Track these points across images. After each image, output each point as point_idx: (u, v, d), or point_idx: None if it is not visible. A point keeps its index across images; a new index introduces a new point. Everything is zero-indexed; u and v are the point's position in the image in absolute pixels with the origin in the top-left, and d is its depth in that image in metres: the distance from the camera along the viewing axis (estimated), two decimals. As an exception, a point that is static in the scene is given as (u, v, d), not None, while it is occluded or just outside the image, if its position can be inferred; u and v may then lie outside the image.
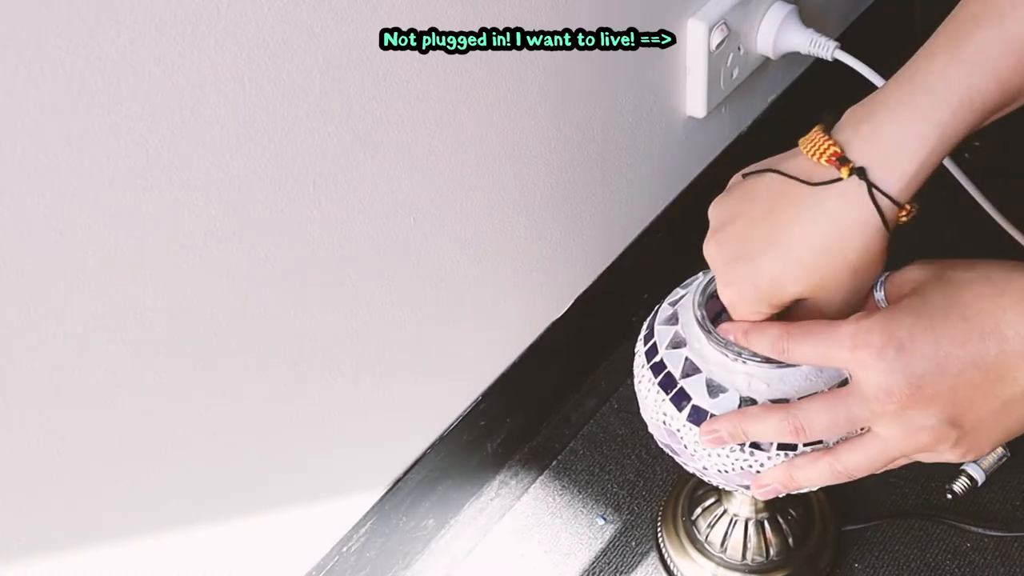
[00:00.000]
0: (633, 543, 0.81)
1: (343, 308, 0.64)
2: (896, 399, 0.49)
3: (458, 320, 0.74)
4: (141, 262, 0.51)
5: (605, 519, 0.83)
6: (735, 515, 0.75)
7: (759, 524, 0.75)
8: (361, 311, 0.66)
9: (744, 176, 0.58)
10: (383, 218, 0.64)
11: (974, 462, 0.81)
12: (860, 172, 0.50)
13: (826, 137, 0.53)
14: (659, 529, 0.80)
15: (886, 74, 0.86)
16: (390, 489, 0.75)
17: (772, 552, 0.75)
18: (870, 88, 0.86)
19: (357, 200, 0.61)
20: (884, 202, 0.49)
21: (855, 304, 0.54)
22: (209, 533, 0.63)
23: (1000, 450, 0.81)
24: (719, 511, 0.76)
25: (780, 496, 0.58)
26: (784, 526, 0.75)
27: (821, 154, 0.52)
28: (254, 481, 0.65)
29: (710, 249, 0.58)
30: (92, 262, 0.49)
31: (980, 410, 0.49)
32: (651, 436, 0.63)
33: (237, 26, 0.50)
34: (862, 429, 0.53)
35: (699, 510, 0.77)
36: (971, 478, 0.81)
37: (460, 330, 0.75)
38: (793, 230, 0.52)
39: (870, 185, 0.49)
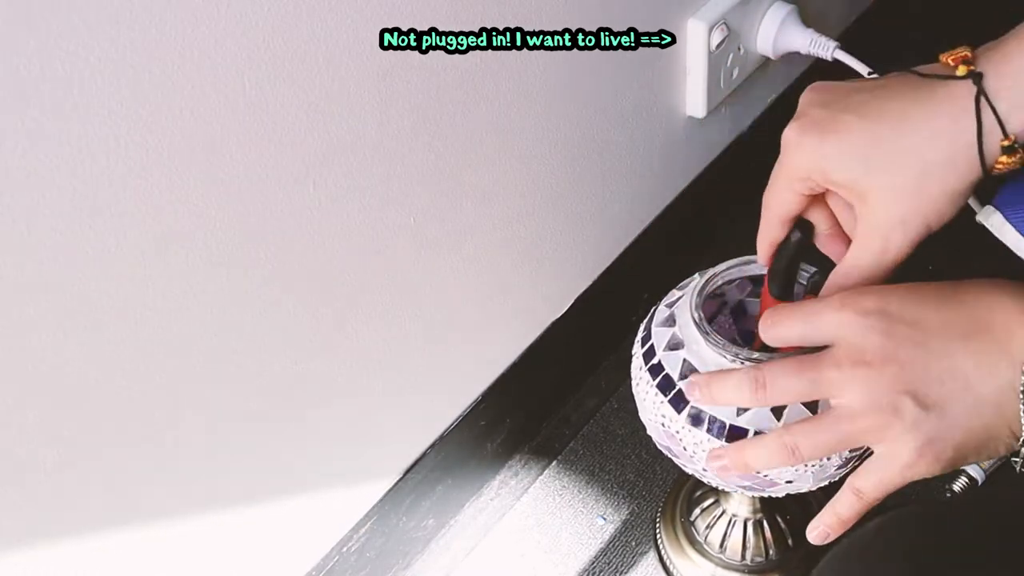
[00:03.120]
0: (633, 543, 0.81)
1: (342, 308, 0.64)
2: (867, 359, 0.48)
3: (458, 320, 0.74)
4: (141, 262, 0.51)
5: (605, 519, 0.83)
6: (734, 515, 0.75)
7: (758, 524, 0.75)
8: (360, 311, 0.66)
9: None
10: (383, 218, 0.64)
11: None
12: (977, 77, 0.47)
13: (966, 47, 0.50)
14: (658, 530, 0.80)
15: (886, 74, 0.86)
16: (390, 489, 0.75)
17: (771, 552, 0.75)
18: (870, 88, 0.86)
19: (357, 200, 0.61)
20: (989, 118, 0.47)
21: (908, 227, 0.50)
22: (210, 533, 0.63)
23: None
24: (718, 511, 0.76)
25: (741, 481, 0.57)
26: (783, 526, 0.75)
27: (950, 55, 0.49)
28: (254, 482, 0.65)
29: (808, 96, 0.53)
30: (92, 262, 0.49)
31: (950, 400, 0.47)
32: (651, 436, 0.63)
33: (237, 26, 0.50)
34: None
35: (698, 511, 0.77)
36: (971, 478, 0.81)
37: (460, 330, 0.75)
38: (886, 108, 0.49)
39: (980, 91, 0.47)
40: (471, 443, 0.81)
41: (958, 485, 0.81)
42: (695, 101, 0.85)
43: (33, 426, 0.50)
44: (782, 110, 0.99)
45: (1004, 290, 0.48)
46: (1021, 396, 0.46)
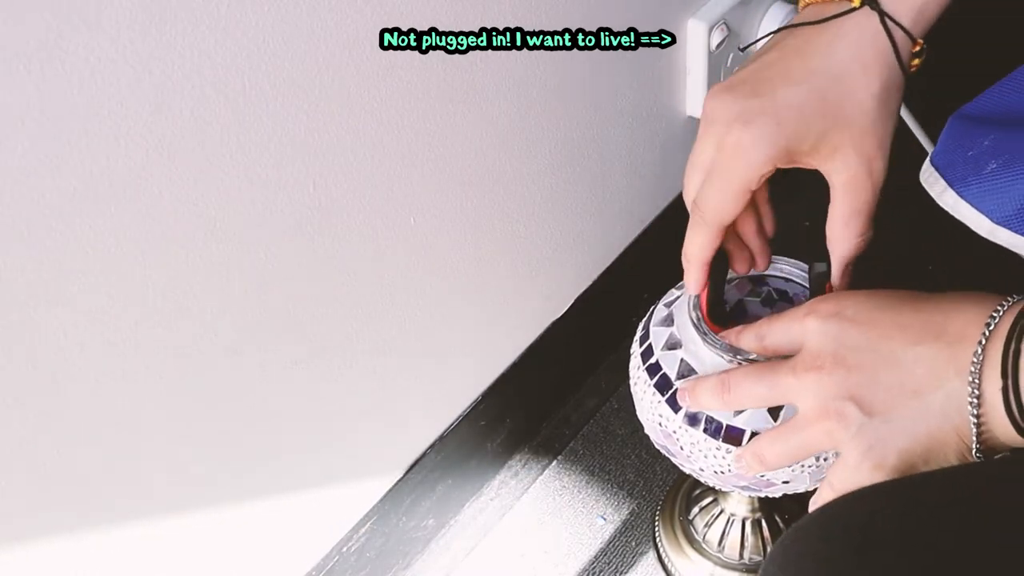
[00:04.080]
0: (633, 543, 0.81)
1: (342, 308, 0.64)
2: (820, 363, 0.48)
3: (458, 320, 0.74)
4: (141, 261, 0.51)
5: (605, 519, 0.83)
6: (732, 514, 0.75)
7: (756, 523, 0.75)
8: (360, 311, 0.66)
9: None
10: (383, 218, 0.64)
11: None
12: (872, 2, 0.50)
13: None
14: (656, 529, 0.80)
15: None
16: (390, 489, 0.75)
17: (770, 551, 0.75)
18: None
19: (357, 200, 0.61)
20: (898, 33, 0.49)
21: (882, 147, 0.52)
22: (210, 533, 0.63)
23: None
24: (716, 511, 0.76)
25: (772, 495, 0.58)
26: (781, 525, 0.75)
27: None
28: (254, 482, 0.65)
29: (714, 101, 0.52)
30: (92, 262, 0.49)
31: (895, 406, 0.47)
32: (649, 435, 0.63)
33: (237, 26, 0.50)
34: None
35: (696, 510, 0.77)
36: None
37: (460, 330, 0.75)
38: (811, 63, 0.50)
39: (882, 14, 0.49)
40: (471, 443, 0.81)
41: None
42: (695, 101, 0.85)
43: (33, 425, 0.51)
44: (782, 110, 0.99)
45: (969, 300, 0.47)
46: (971, 406, 0.45)
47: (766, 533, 0.75)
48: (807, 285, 0.60)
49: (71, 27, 0.43)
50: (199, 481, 0.61)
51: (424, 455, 0.77)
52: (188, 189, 0.52)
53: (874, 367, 0.47)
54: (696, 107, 0.86)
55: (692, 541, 0.77)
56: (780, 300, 0.64)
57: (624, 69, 0.77)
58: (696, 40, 0.81)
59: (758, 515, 0.75)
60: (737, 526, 0.75)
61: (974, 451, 0.46)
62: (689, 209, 0.55)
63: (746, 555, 0.75)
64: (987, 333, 0.45)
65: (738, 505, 0.75)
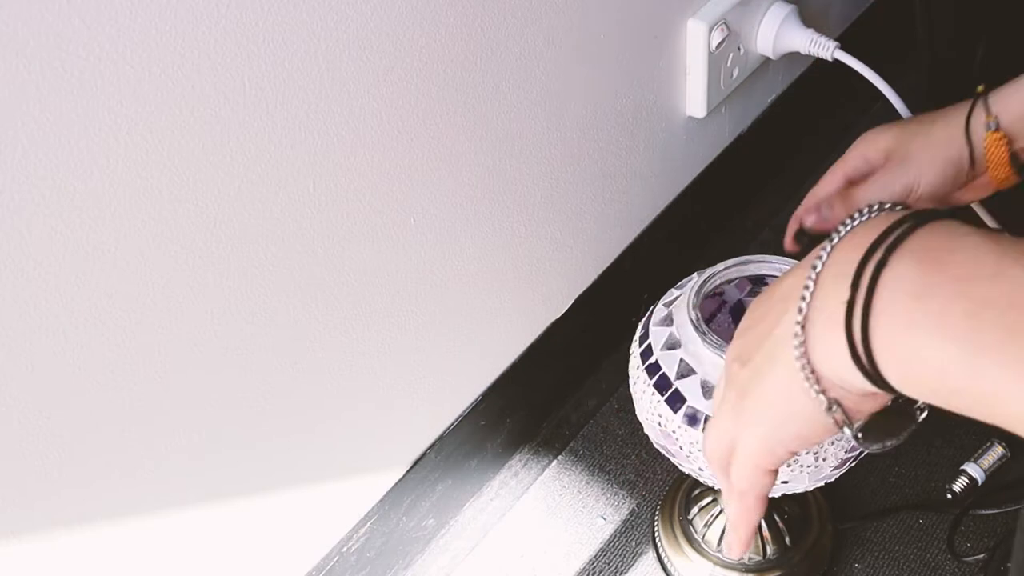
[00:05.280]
0: (633, 543, 0.81)
1: (342, 308, 0.64)
2: (727, 353, 0.46)
3: (457, 320, 0.74)
4: (141, 261, 0.51)
5: (605, 519, 0.83)
6: None
7: None
8: (360, 312, 0.66)
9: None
10: (383, 218, 0.64)
11: (973, 461, 0.81)
12: (983, 94, 0.68)
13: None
14: (656, 528, 0.80)
15: (886, 74, 0.86)
16: (390, 489, 0.75)
17: (769, 551, 0.75)
18: (870, 88, 0.86)
19: (357, 200, 0.61)
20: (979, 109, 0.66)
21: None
22: (210, 533, 0.63)
23: (1000, 449, 0.81)
24: (716, 510, 0.76)
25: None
26: (780, 525, 0.75)
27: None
28: (254, 482, 0.65)
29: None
30: (92, 262, 0.49)
31: (754, 346, 0.43)
32: (648, 435, 0.63)
33: (237, 26, 0.50)
34: None
35: (696, 509, 0.77)
36: (971, 477, 0.81)
37: (460, 330, 0.75)
38: (932, 116, 0.70)
39: (980, 95, 0.67)
40: (471, 443, 0.81)
41: (958, 485, 0.81)
42: (695, 101, 0.85)
43: (32, 424, 0.51)
44: (782, 110, 0.99)
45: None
46: (796, 324, 0.39)
47: (766, 532, 0.75)
48: None
49: (71, 27, 0.43)
50: (199, 481, 0.61)
51: (424, 455, 0.77)
52: (188, 189, 0.52)
53: (747, 329, 0.44)
54: (696, 107, 0.86)
55: (691, 541, 0.77)
56: None
57: (624, 69, 0.77)
58: (696, 40, 0.81)
59: None
60: None
61: (814, 393, 0.40)
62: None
63: (745, 555, 0.75)
64: (841, 233, 0.39)
65: None
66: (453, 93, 0.64)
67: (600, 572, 0.80)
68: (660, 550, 0.79)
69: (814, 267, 0.39)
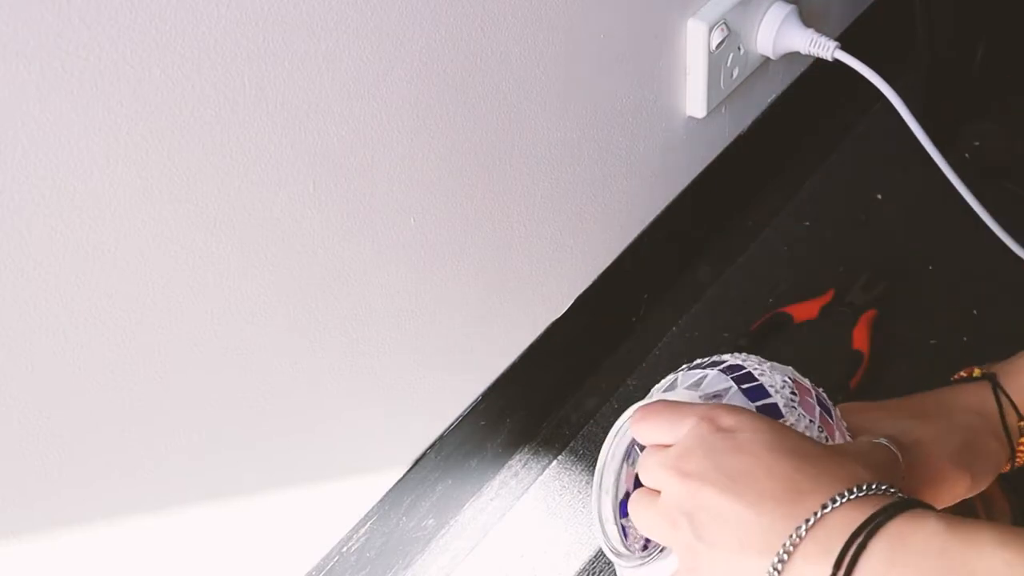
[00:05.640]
0: (633, 543, 0.81)
1: (342, 308, 0.64)
2: (686, 470, 0.51)
3: (457, 320, 0.74)
4: (141, 261, 0.51)
5: (605, 519, 0.83)
6: None
7: None
8: (360, 311, 0.66)
9: None
10: (383, 218, 0.64)
11: None
12: (991, 376, 0.65)
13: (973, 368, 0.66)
14: None
15: (886, 74, 0.86)
16: (390, 489, 0.75)
17: None
18: (870, 88, 0.86)
19: (357, 200, 0.61)
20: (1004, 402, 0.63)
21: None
22: (209, 533, 0.63)
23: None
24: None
25: None
26: None
27: (961, 372, 0.67)
28: (254, 482, 0.65)
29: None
30: (93, 262, 0.49)
31: (720, 539, 0.49)
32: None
33: (237, 26, 0.50)
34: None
35: None
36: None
37: (460, 330, 0.75)
38: (923, 398, 0.67)
39: (995, 384, 0.64)
40: (471, 443, 0.81)
41: None
42: (695, 101, 0.85)
43: (33, 423, 0.51)
44: (782, 110, 0.99)
45: (838, 468, 0.49)
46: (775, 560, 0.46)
47: None
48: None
49: (71, 27, 0.43)
50: (199, 481, 0.61)
51: (424, 455, 0.77)
52: (188, 189, 0.52)
53: (718, 492, 0.49)
54: (696, 107, 0.86)
55: None
56: None
57: (624, 69, 0.77)
58: (696, 40, 0.81)
59: None
60: None
61: None
62: None
63: None
64: (828, 508, 0.46)
65: None
66: (453, 93, 0.64)
67: (600, 572, 0.80)
68: None
69: (797, 529, 0.46)
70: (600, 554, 0.81)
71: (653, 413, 0.54)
